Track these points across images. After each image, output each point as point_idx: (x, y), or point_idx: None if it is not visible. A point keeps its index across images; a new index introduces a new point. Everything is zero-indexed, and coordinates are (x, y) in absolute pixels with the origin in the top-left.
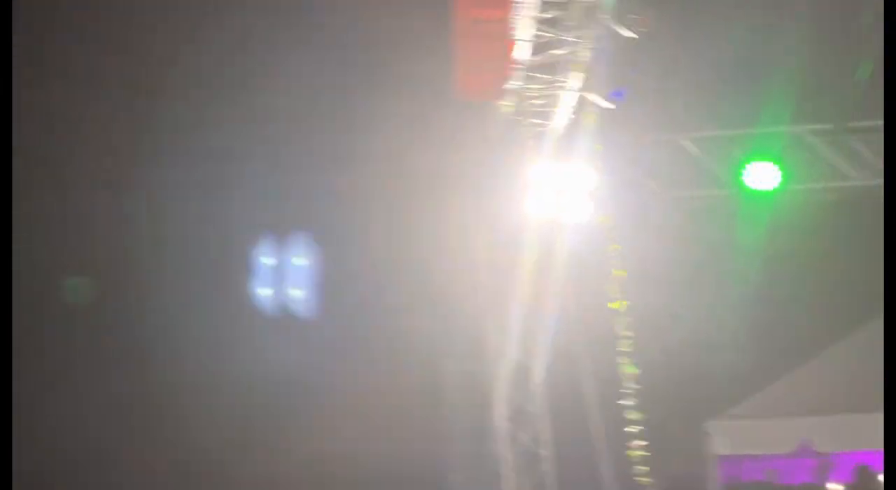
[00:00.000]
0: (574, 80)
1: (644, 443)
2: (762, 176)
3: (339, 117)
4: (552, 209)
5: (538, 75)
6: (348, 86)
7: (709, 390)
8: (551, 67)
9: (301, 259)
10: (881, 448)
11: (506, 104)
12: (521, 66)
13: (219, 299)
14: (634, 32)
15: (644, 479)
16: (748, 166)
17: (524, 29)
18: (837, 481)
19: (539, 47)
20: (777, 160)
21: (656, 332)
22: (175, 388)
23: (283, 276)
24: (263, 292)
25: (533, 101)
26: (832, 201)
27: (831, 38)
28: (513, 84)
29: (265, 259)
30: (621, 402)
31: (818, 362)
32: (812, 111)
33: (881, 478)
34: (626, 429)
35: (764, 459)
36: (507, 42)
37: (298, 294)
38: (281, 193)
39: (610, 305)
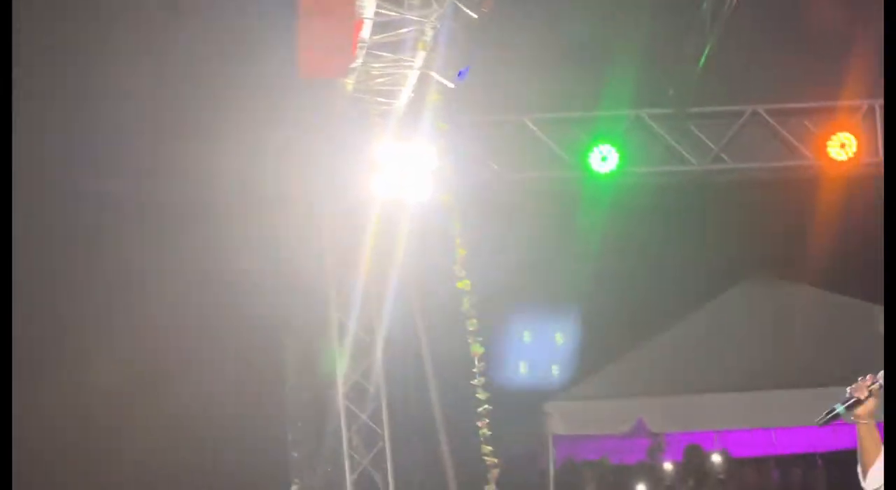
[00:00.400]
0: (418, 58)
1: (487, 421)
2: (604, 158)
3: (181, 92)
4: (396, 188)
5: (383, 54)
6: (191, 60)
7: (544, 370)
8: (396, 46)
9: None
10: (712, 428)
11: (350, 82)
12: (365, 45)
13: None
14: (478, 13)
15: (489, 459)
16: (591, 149)
17: (369, 7)
18: (669, 460)
19: (384, 26)
20: (617, 143)
21: (496, 312)
22: None
23: None
24: None
25: (378, 80)
26: (671, 185)
27: (671, 24)
28: (357, 62)
29: None
30: (471, 382)
31: (653, 344)
32: (652, 95)
33: (715, 458)
34: (470, 408)
35: (600, 439)
36: (352, 20)
37: None
38: (123, 168)
39: (458, 285)
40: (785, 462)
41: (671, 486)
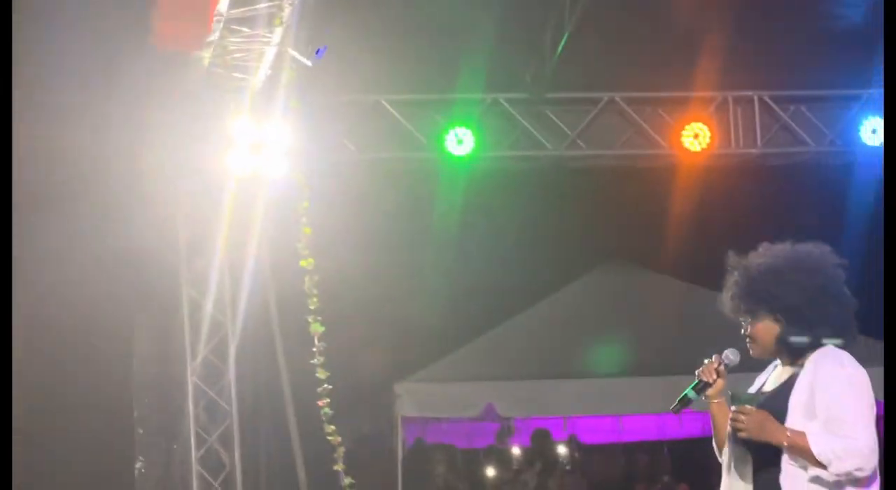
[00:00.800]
0: (276, 35)
1: (328, 401)
2: (459, 141)
3: (28, 67)
4: (250, 164)
5: (241, 29)
6: (38, 33)
7: (399, 352)
8: (254, 21)
9: None
10: (560, 414)
11: (207, 56)
12: (222, 18)
13: None
14: None
15: (332, 438)
16: (448, 131)
17: None
18: (520, 444)
19: (241, 0)
20: (473, 127)
21: (348, 291)
22: None
23: None
24: None
25: (235, 55)
26: (527, 169)
27: (530, 9)
28: (214, 36)
29: None
30: (311, 361)
31: (505, 329)
32: (510, 80)
33: (561, 449)
34: (315, 388)
35: (450, 422)
36: None
37: None
38: None
39: (302, 263)
40: (631, 449)
41: (519, 471)
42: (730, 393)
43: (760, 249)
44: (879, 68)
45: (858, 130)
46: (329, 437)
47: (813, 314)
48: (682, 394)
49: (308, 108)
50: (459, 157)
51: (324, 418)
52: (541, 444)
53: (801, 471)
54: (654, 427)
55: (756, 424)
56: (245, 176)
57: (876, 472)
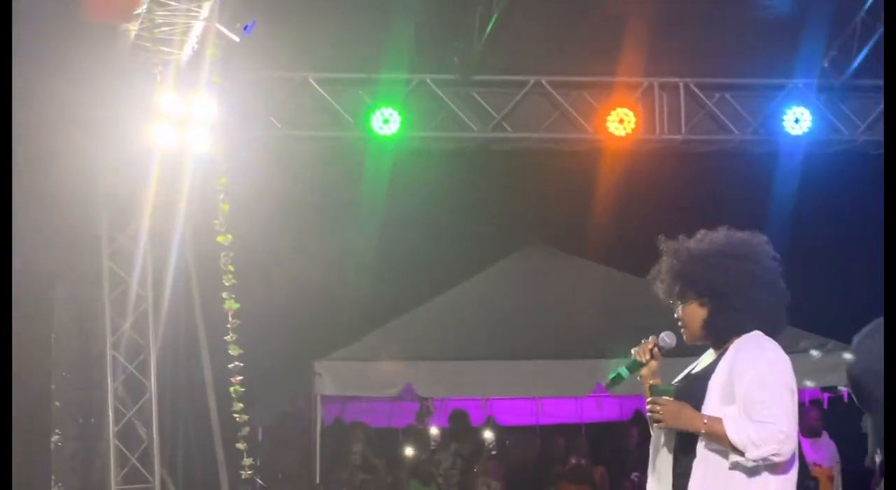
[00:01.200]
0: (204, 9)
1: (241, 378)
2: (385, 121)
3: None
4: (176, 139)
5: (168, 2)
6: None
7: (320, 330)
8: None
9: None
10: (479, 395)
11: (133, 29)
12: None
13: None
14: None
15: (237, 415)
16: (374, 111)
17: None
18: (439, 425)
19: None
20: (399, 107)
21: (271, 269)
22: None
23: None
24: None
25: (162, 28)
26: (453, 151)
27: None
28: (142, 8)
29: None
30: (224, 337)
31: (426, 309)
32: (437, 61)
33: (486, 434)
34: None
35: (369, 401)
36: None
37: None
38: None
39: (219, 239)
40: (549, 432)
41: (436, 451)
42: (656, 378)
43: (698, 235)
44: (806, 58)
45: (782, 120)
46: (235, 415)
47: (739, 300)
48: (615, 372)
49: (234, 83)
50: (385, 137)
51: (234, 396)
52: (458, 425)
53: (717, 457)
54: (572, 410)
55: (671, 413)
56: (170, 150)
57: (794, 456)
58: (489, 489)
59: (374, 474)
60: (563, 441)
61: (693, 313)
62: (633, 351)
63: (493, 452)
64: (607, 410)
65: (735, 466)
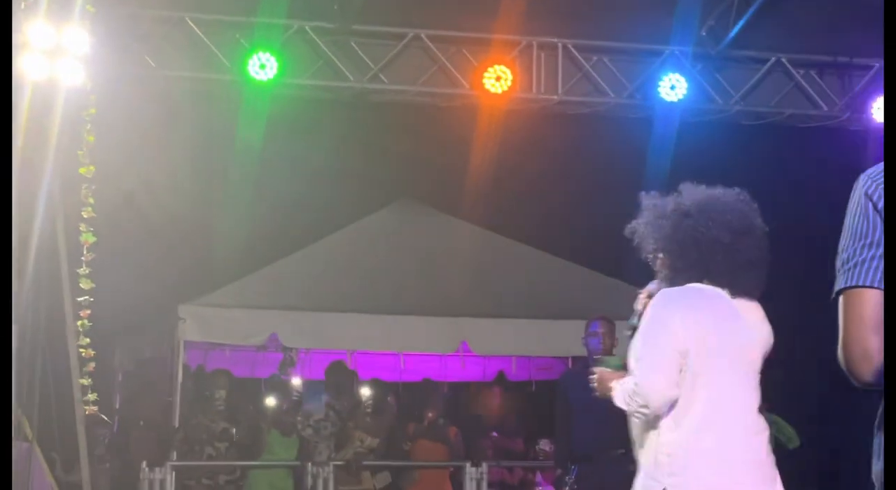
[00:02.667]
0: None
1: (89, 312)
2: (262, 66)
3: None
4: (46, 70)
5: None
6: None
7: (186, 275)
8: None
9: None
10: (343, 348)
11: None
12: None
13: None
14: None
15: (84, 351)
16: (251, 55)
17: None
18: (305, 377)
19: None
20: (277, 53)
21: (142, 209)
22: None
23: None
24: None
25: None
26: (329, 100)
27: None
28: None
29: None
30: (77, 270)
31: (295, 259)
32: (317, 8)
33: (364, 390)
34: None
35: (233, 350)
36: None
37: None
38: None
39: (80, 171)
40: (411, 388)
41: (299, 401)
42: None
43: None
44: (684, 25)
45: (658, 86)
46: (81, 350)
47: (684, 260)
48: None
49: (109, 18)
50: (261, 82)
51: (81, 330)
52: (336, 376)
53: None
54: (435, 368)
55: (599, 383)
56: (41, 81)
57: (689, 407)
58: (363, 444)
59: (236, 423)
60: (423, 398)
61: (660, 265)
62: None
63: (369, 410)
64: (470, 370)
65: (638, 421)
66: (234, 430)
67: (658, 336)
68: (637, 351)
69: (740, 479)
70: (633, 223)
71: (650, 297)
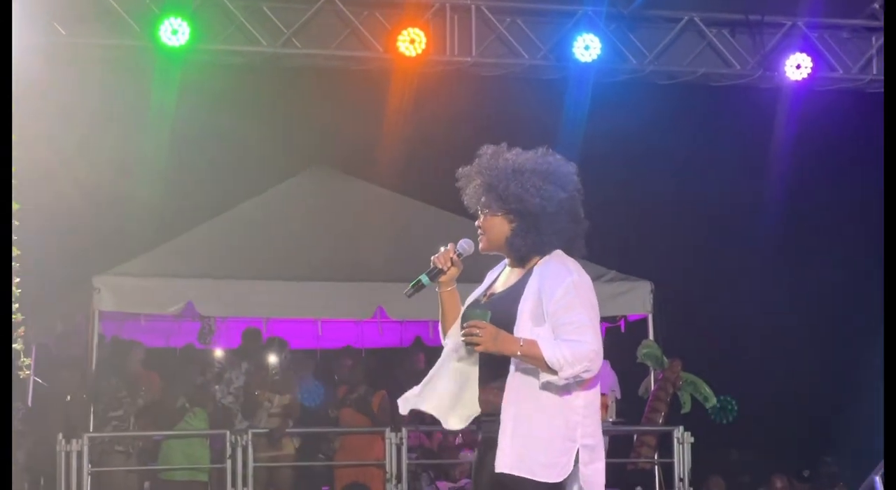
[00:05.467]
0: None
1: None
2: (174, 31)
3: None
4: None
5: None
6: None
7: (100, 246)
8: None
9: None
10: (260, 315)
11: None
12: None
13: None
14: None
15: (15, 316)
16: (162, 20)
17: None
18: (223, 346)
19: None
20: (189, 17)
21: (53, 179)
22: None
23: None
24: None
25: None
26: (242, 65)
27: None
28: None
29: None
30: None
31: (209, 227)
32: None
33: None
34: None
35: (148, 320)
36: None
37: None
38: None
39: None
40: (329, 355)
41: (220, 372)
42: (454, 285)
43: (508, 152)
44: None
45: (572, 46)
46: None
47: (546, 224)
48: (416, 279)
49: None
50: (174, 48)
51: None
52: (251, 342)
53: (529, 376)
54: (352, 334)
55: (490, 338)
56: None
57: (599, 371)
58: (273, 404)
59: (150, 393)
60: (347, 364)
61: (497, 225)
62: (432, 258)
63: (277, 375)
64: (388, 336)
65: (546, 386)
66: (140, 400)
67: (594, 303)
68: (571, 316)
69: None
70: (484, 175)
71: (459, 255)
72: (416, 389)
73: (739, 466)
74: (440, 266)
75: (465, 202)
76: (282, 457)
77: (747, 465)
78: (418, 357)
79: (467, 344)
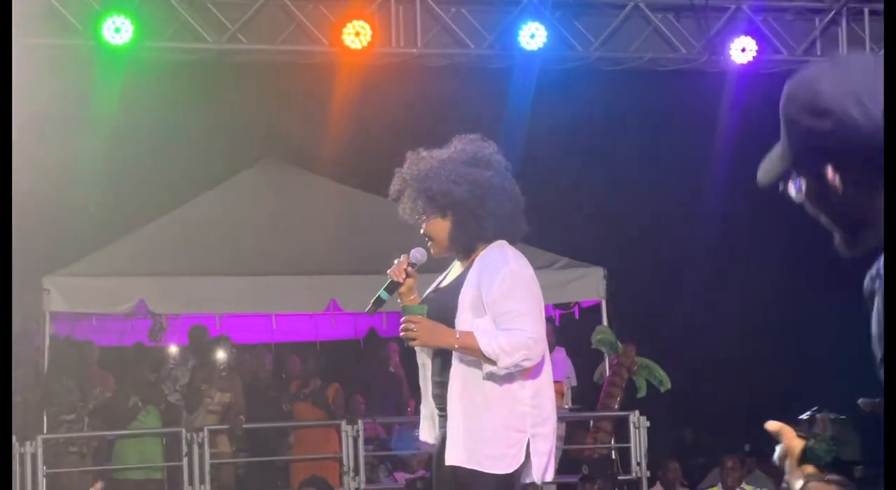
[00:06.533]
0: None
1: None
2: (117, 30)
3: None
4: None
5: None
6: None
7: (50, 245)
8: None
9: None
10: (213, 311)
11: None
12: None
13: None
14: None
15: None
16: (105, 19)
17: None
18: (175, 343)
19: None
20: (132, 15)
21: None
22: None
23: None
24: None
25: None
26: (188, 62)
27: None
28: None
29: None
30: None
31: (159, 224)
32: None
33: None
34: None
35: (100, 319)
36: None
37: None
38: None
39: None
40: (284, 349)
41: (174, 368)
42: (413, 294)
43: (426, 152)
44: None
45: (517, 35)
46: None
47: (480, 209)
48: (376, 296)
49: None
50: (117, 47)
51: None
52: (197, 340)
53: (473, 368)
54: (307, 327)
55: (426, 331)
56: None
57: (545, 359)
58: (213, 400)
59: (104, 394)
60: (298, 358)
61: (438, 227)
62: (388, 272)
63: (224, 372)
64: (342, 328)
65: (489, 377)
66: (92, 402)
67: (535, 291)
68: (508, 305)
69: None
70: (410, 183)
71: (412, 265)
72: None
73: (694, 448)
74: (396, 279)
75: (405, 217)
76: (218, 454)
77: (702, 446)
78: (391, 347)
79: (404, 339)
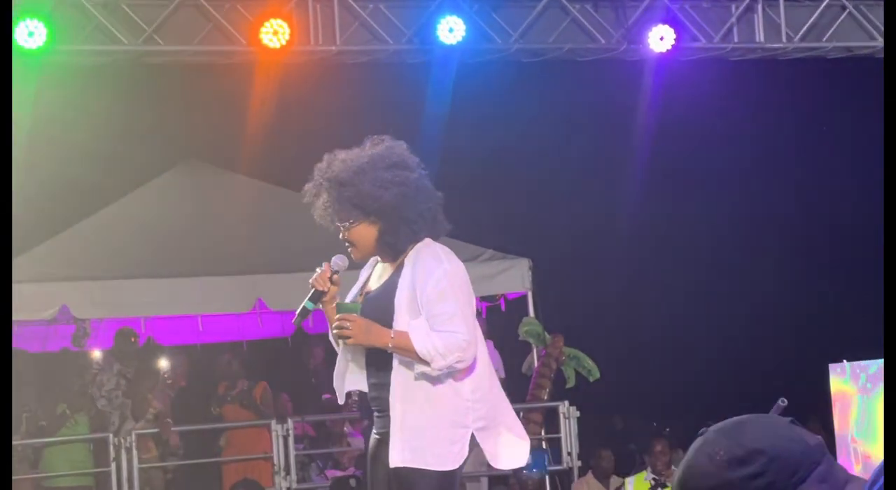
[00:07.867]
0: None
1: None
2: (31, 34)
3: None
4: None
5: None
6: None
7: None
8: None
9: None
10: (138, 314)
11: None
12: None
13: None
14: None
15: None
16: (17, 23)
17: None
18: (99, 348)
19: None
20: (46, 19)
21: None
22: None
23: None
24: None
25: None
26: (104, 65)
27: None
28: None
29: None
30: None
31: (80, 228)
32: None
33: (163, 362)
34: None
35: (21, 326)
36: None
37: None
38: None
39: None
40: (212, 349)
41: (98, 374)
42: (336, 300)
43: (341, 156)
44: None
45: (436, 29)
46: None
47: (407, 210)
48: (301, 306)
49: None
50: (31, 51)
51: None
52: (122, 344)
53: (407, 369)
54: (233, 327)
55: (361, 330)
56: None
57: (476, 360)
58: (155, 410)
59: (26, 402)
60: (225, 359)
61: (364, 233)
62: (310, 281)
63: (168, 379)
64: (268, 327)
65: (422, 377)
66: (24, 414)
67: (467, 291)
68: (442, 307)
69: (512, 415)
70: (328, 190)
71: (335, 273)
72: (338, 381)
73: (625, 436)
74: (320, 288)
75: (318, 220)
76: (149, 459)
77: (633, 433)
78: (316, 351)
79: (338, 337)
